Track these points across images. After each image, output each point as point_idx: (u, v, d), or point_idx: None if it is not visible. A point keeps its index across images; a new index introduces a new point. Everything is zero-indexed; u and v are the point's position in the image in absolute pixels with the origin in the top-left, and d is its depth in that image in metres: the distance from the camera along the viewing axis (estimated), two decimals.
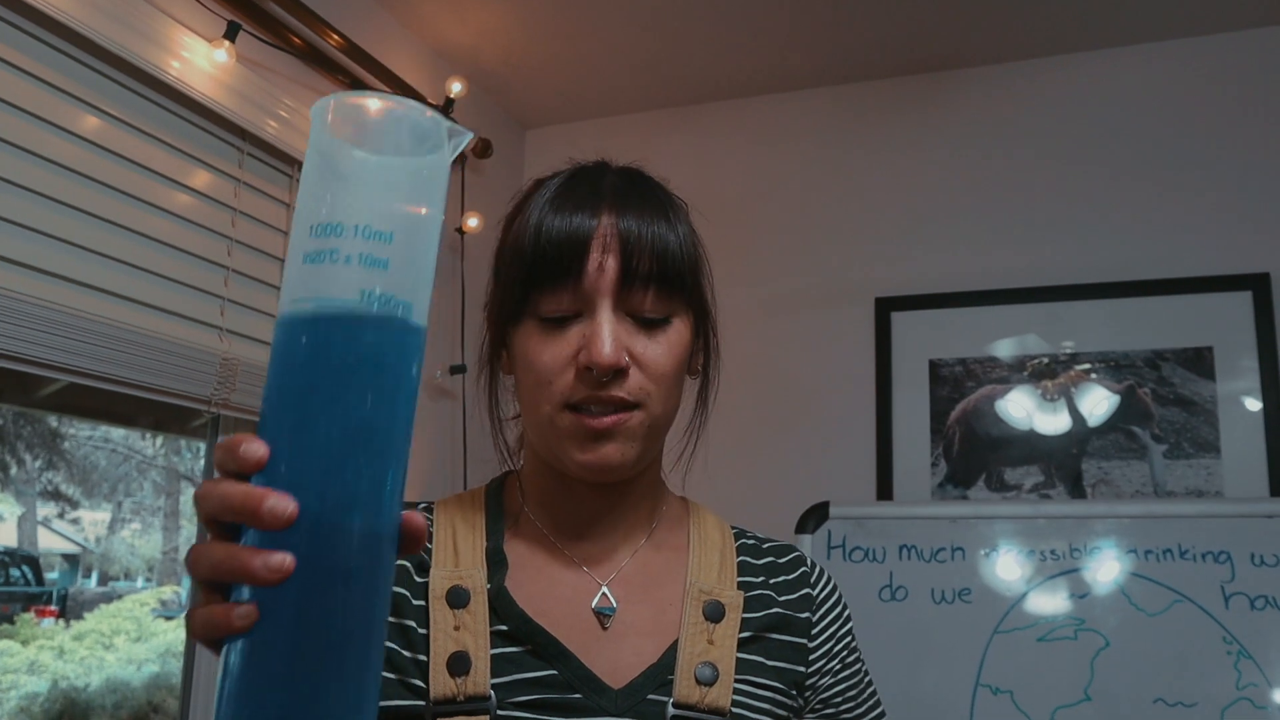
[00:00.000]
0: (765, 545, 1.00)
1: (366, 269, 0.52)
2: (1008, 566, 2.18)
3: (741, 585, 0.93)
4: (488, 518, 0.94)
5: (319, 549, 0.51)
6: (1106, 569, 2.12)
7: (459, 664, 0.83)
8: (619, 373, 0.84)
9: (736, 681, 0.87)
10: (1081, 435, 2.38)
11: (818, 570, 1.01)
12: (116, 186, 1.67)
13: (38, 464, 2.05)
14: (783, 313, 2.63)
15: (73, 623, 2.55)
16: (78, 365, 1.57)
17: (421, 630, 0.86)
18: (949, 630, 2.16)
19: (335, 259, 0.52)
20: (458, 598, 0.86)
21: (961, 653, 2.15)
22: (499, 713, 0.82)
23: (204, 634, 0.52)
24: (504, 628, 0.86)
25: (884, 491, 2.45)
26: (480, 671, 0.83)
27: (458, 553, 0.89)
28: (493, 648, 0.85)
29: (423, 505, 0.96)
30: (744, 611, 0.91)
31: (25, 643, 2.40)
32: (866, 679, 1.00)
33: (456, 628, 0.85)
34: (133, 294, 1.68)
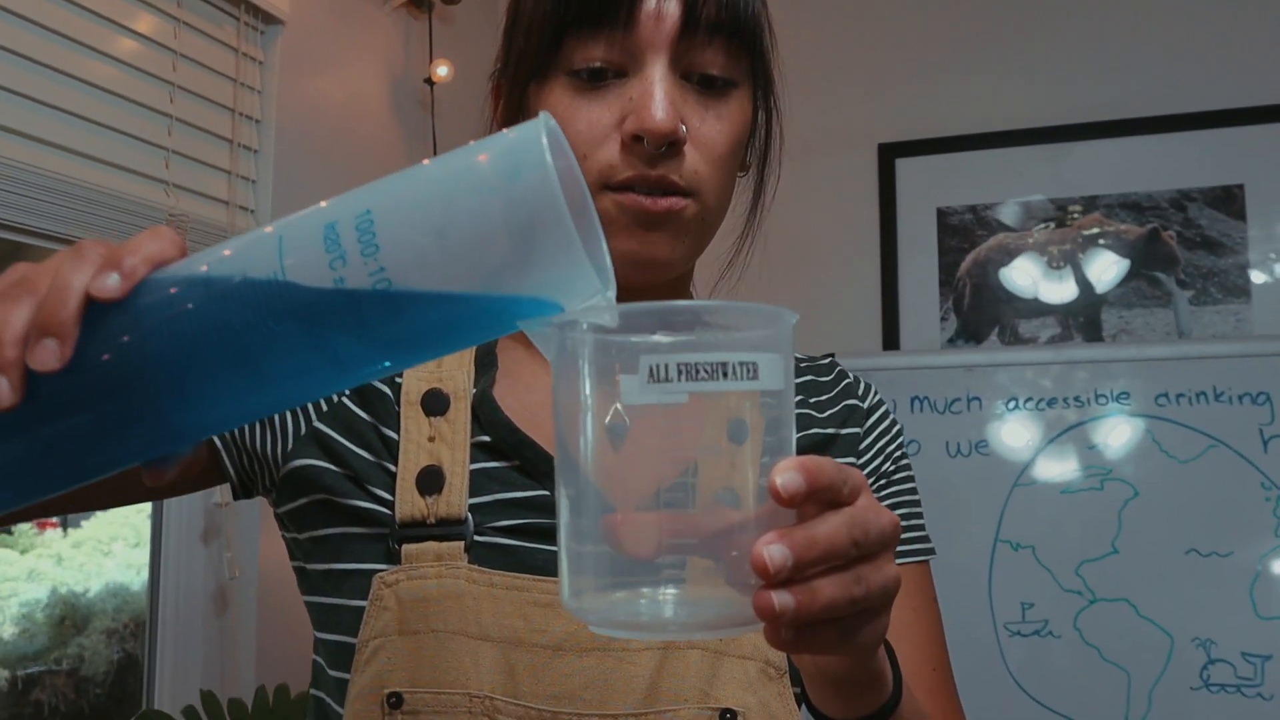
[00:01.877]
0: (803, 364, 0.88)
1: (346, 303, 0.45)
2: (1027, 416, 2.06)
3: None
4: None
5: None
6: (1134, 415, 2.01)
7: (431, 480, 0.72)
8: (672, 147, 0.71)
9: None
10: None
11: (863, 384, 0.89)
12: (42, 23, 1.51)
13: None
14: (781, 161, 2.48)
15: (70, 531, 2.54)
16: (15, 220, 1.45)
17: (395, 436, 0.74)
18: (965, 485, 2.07)
19: (336, 267, 0.45)
20: (435, 403, 0.74)
21: (979, 508, 2.06)
22: (476, 538, 0.71)
23: None
24: (487, 439, 0.74)
25: (891, 346, 2.34)
26: (456, 490, 0.71)
27: None
28: (472, 463, 0.73)
29: None
30: None
31: (23, 551, 2.38)
32: (914, 506, 0.88)
33: (431, 438, 0.73)
34: (70, 144, 1.55)
